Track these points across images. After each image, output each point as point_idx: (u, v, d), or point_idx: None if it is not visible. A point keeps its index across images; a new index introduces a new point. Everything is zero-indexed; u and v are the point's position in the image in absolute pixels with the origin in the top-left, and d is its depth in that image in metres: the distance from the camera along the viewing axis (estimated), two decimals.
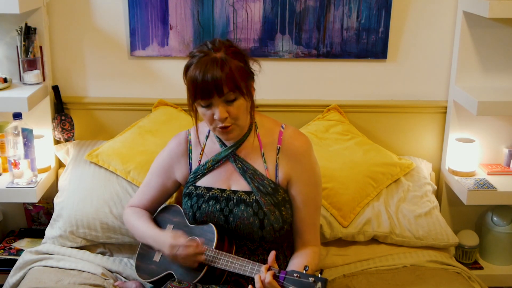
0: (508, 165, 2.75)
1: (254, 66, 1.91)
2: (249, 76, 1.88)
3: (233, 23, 2.65)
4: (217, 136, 1.99)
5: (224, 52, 1.82)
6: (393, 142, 2.80)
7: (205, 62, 1.79)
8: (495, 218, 2.78)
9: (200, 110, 1.85)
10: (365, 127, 2.78)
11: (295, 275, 1.69)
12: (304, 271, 1.69)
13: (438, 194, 2.83)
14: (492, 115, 2.72)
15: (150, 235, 2.01)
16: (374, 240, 2.43)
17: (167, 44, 2.67)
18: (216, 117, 1.82)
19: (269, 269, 1.74)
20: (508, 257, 2.80)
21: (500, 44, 2.65)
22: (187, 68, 1.84)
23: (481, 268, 2.78)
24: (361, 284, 2.19)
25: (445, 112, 2.79)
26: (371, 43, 2.69)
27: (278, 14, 2.64)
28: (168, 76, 2.74)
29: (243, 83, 1.82)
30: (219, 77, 1.77)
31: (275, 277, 1.71)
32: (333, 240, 2.41)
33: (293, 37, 2.67)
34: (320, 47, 2.69)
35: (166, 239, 1.92)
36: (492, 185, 2.58)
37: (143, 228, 2.04)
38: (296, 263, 1.94)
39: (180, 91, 2.73)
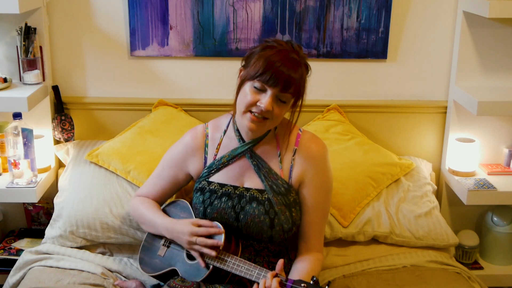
0: (508, 165, 2.75)
1: None
2: (303, 93, 1.90)
3: (233, 23, 2.65)
4: (237, 130, 1.99)
5: (301, 59, 1.86)
6: (393, 142, 2.80)
7: (290, 56, 1.82)
8: (495, 218, 2.78)
9: (248, 89, 1.84)
10: (365, 127, 2.78)
11: (302, 285, 1.68)
12: (311, 282, 1.69)
13: (438, 194, 2.83)
14: (492, 115, 2.72)
15: (163, 223, 2.00)
16: (374, 240, 2.43)
17: (167, 44, 2.67)
18: (261, 104, 1.81)
19: (275, 276, 1.74)
20: (508, 257, 2.80)
21: (500, 44, 2.65)
22: (264, 48, 1.85)
23: (481, 268, 2.78)
24: (361, 285, 2.19)
25: (445, 112, 2.79)
26: (371, 43, 2.69)
27: (278, 14, 2.64)
28: (168, 76, 2.74)
29: (300, 95, 1.87)
30: (294, 75, 1.81)
31: (281, 284, 1.71)
32: (333, 240, 2.41)
33: (293, 37, 2.67)
34: (320, 47, 2.69)
35: (184, 227, 1.92)
36: (492, 185, 2.58)
37: (155, 217, 2.04)
38: (301, 269, 1.93)
39: (180, 91, 2.75)
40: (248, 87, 1.84)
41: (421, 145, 2.83)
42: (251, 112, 1.85)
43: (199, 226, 1.91)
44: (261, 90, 1.82)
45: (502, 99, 2.51)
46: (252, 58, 1.87)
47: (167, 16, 2.63)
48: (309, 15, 2.64)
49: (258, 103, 1.82)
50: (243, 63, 1.92)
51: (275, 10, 2.64)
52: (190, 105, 2.73)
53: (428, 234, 2.40)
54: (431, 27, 2.70)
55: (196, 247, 1.89)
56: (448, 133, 2.77)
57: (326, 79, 2.76)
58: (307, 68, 1.90)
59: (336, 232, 2.38)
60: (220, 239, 1.88)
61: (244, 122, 1.88)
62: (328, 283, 1.70)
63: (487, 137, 2.78)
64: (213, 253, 1.85)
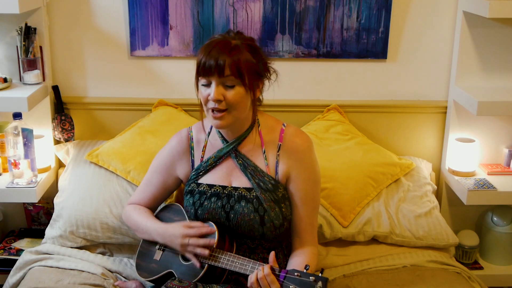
0: (508, 165, 2.75)
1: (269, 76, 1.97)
2: (257, 73, 1.90)
3: (233, 23, 2.65)
4: (218, 132, 2.00)
5: (241, 42, 1.87)
6: (393, 142, 2.80)
7: (218, 42, 1.85)
8: (495, 218, 2.78)
9: (200, 89, 1.89)
10: (365, 127, 2.78)
11: (295, 274, 1.69)
12: (305, 270, 1.70)
13: (438, 194, 2.83)
14: (492, 115, 2.72)
15: (155, 229, 2.01)
16: (374, 240, 2.43)
17: (167, 44, 2.67)
18: (210, 97, 1.84)
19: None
20: (508, 257, 2.80)
21: (500, 44, 2.65)
22: (203, 48, 1.88)
23: (481, 268, 2.78)
24: (361, 284, 2.19)
25: (445, 112, 2.79)
26: (371, 43, 2.69)
27: (278, 14, 2.64)
28: (168, 76, 2.74)
29: (247, 75, 1.84)
30: (224, 58, 1.81)
31: (275, 274, 1.71)
32: (333, 240, 2.41)
33: (293, 37, 2.67)
34: (320, 47, 2.69)
35: (176, 230, 1.93)
36: (492, 185, 2.58)
37: (147, 223, 2.05)
38: (296, 262, 1.94)
39: (180, 91, 2.75)
40: (200, 87, 1.89)
41: (421, 145, 2.83)
42: (211, 110, 1.87)
43: (191, 227, 1.92)
44: (208, 85, 1.85)
45: (502, 99, 2.51)
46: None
47: (167, 16, 2.63)
48: (309, 15, 2.64)
49: (209, 98, 1.85)
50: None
51: (275, 10, 2.64)
52: (190, 105, 2.73)
53: (428, 234, 2.40)
54: (431, 27, 2.70)
55: (190, 248, 1.89)
56: (448, 133, 2.77)
57: (326, 79, 2.76)
58: (252, 51, 1.88)
59: (336, 232, 2.38)
60: (214, 238, 1.88)
61: (211, 122, 1.91)
62: (322, 271, 1.70)
63: (487, 137, 2.78)
64: (206, 252, 1.86)
